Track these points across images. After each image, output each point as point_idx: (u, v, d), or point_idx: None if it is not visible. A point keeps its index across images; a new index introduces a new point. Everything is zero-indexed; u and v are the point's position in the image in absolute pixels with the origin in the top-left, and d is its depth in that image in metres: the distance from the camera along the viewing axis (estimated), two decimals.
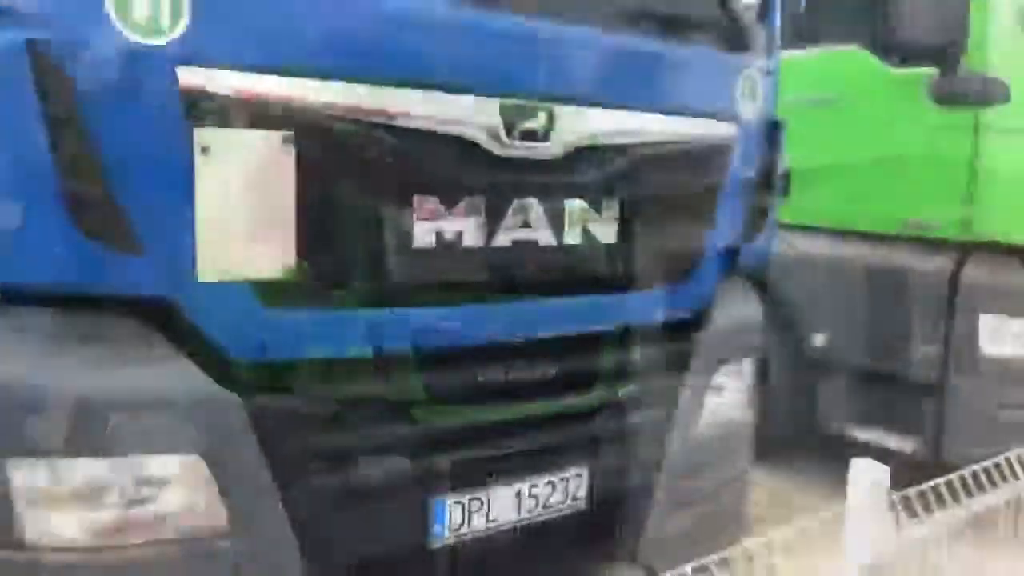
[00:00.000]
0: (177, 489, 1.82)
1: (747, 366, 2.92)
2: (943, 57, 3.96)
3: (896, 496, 1.79)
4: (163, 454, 1.81)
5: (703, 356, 2.73)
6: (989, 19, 3.95)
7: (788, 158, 4.50)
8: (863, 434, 4.44)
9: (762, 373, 3.24)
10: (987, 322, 4.08)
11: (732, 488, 2.84)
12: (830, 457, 3.96)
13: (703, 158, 2.63)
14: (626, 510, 2.51)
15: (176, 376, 1.80)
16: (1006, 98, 3.93)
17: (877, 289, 4.36)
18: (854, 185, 4.42)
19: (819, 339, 4.59)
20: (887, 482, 1.71)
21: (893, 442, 4.28)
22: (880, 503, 1.68)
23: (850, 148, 4.41)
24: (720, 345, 2.79)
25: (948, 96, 4.04)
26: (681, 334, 2.70)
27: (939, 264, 4.17)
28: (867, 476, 1.66)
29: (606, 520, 2.48)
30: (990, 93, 3.95)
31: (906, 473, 2.08)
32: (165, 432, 1.79)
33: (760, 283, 3.12)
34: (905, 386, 4.25)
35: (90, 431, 1.72)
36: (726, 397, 2.82)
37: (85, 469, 1.73)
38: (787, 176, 4.62)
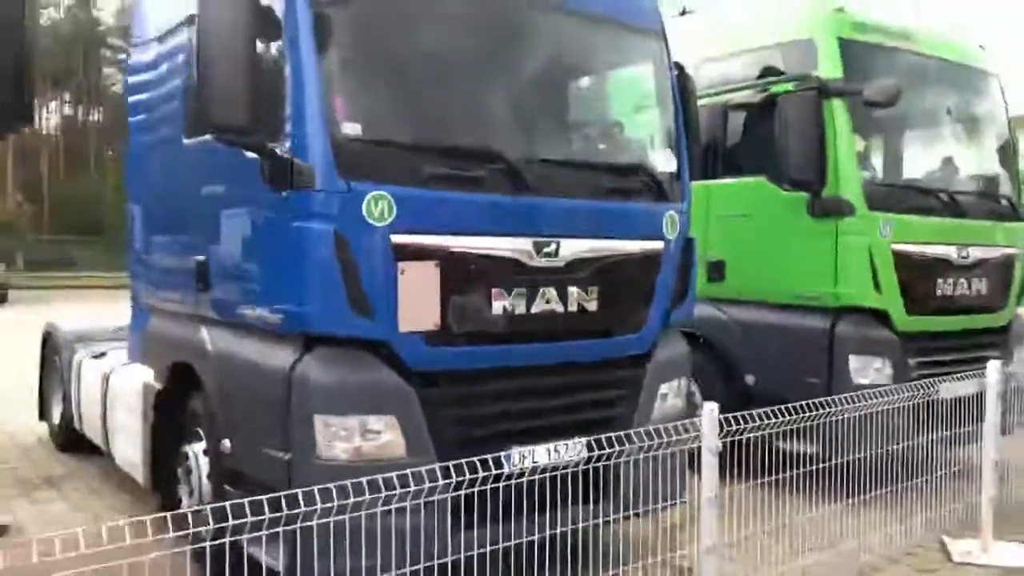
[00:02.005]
0: (383, 432, 3.75)
1: (681, 382, 4.88)
2: (811, 185, 6.03)
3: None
4: (377, 415, 3.74)
5: (651, 376, 4.68)
6: (840, 160, 6.04)
7: (722, 253, 6.61)
8: (783, 444, 6.31)
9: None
10: (854, 361, 6.03)
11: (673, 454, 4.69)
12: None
13: (646, 261, 4.64)
14: (609, 466, 4.37)
15: (385, 375, 3.77)
16: (852, 212, 6.01)
17: (784, 341, 6.32)
18: (765, 271, 6.44)
19: (750, 379, 6.52)
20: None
21: (802, 447, 6.14)
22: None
23: (761, 246, 6.45)
24: (662, 370, 4.75)
25: (818, 211, 6.10)
26: (639, 362, 4.66)
27: (821, 322, 6.15)
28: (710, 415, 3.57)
29: (597, 471, 4.33)
30: (842, 208, 6.02)
31: None
32: (379, 403, 3.74)
33: (686, 333, 5.11)
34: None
35: (349, 402, 3.68)
36: (668, 401, 4.76)
37: (347, 421, 3.67)
38: (721, 265, 6.70)
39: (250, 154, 3.77)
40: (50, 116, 54.71)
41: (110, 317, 7.21)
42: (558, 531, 3.67)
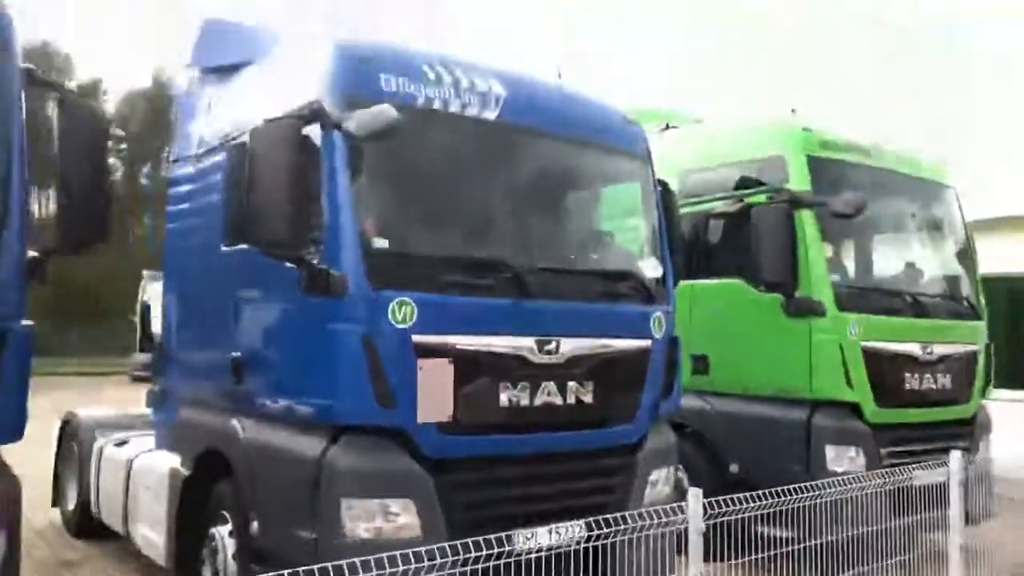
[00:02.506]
0: (401, 515, 4.16)
1: (670, 470, 5.31)
2: (785, 287, 6.61)
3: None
4: (397, 498, 4.16)
5: (642, 464, 5.13)
6: (811, 265, 6.64)
7: (706, 348, 7.10)
8: (767, 530, 6.68)
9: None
10: (830, 450, 6.49)
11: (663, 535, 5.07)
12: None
13: (636, 358, 5.15)
14: (606, 546, 4.74)
15: (404, 462, 4.20)
16: (823, 312, 6.57)
17: (764, 431, 6.78)
18: (745, 365, 6.95)
19: (734, 467, 6.94)
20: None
21: (779, 532, 6.51)
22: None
23: (741, 342, 6.98)
24: (652, 459, 5.19)
25: (793, 311, 6.66)
26: (631, 451, 5.11)
27: (798, 414, 6.63)
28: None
29: (595, 550, 4.71)
30: (815, 309, 6.59)
31: None
32: (398, 487, 4.17)
33: (674, 423, 5.58)
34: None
35: (372, 486, 4.10)
36: (657, 487, 5.19)
37: (370, 504, 4.09)
38: (705, 359, 7.21)
39: (288, 264, 4.30)
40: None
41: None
42: None
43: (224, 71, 5.77)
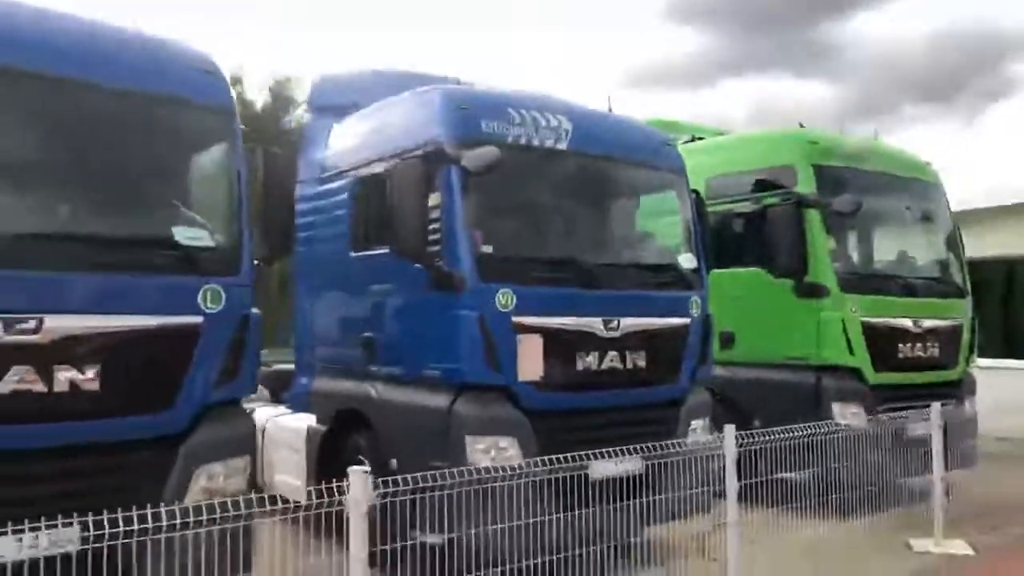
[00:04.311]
0: (508, 449, 5.60)
1: (705, 420, 6.73)
2: (795, 274, 7.99)
3: None
4: (505, 436, 5.60)
5: (684, 415, 6.55)
6: (817, 255, 8.02)
7: (731, 326, 8.47)
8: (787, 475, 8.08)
9: None
10: (836, 407, 7.88)
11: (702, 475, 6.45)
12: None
13: (678, 333, 6.56)
14: (655, 483, 6.13)
15: (509, 411, 5.65)
16: (828, 294, 7.96)
17: (781, 393, 8.17)
18: (763, 339, 8.34)
19: (756, 423, 8.32)
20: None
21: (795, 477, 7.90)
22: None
23: (759, 320, 8.37)
24: (692, 411, 6.61)
25: (802, 293, 8.05)
26: (675, 406, 6.53)
27: (809, 378, 8.02)
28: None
29: (651, 482, 6.10)
30: (820, 291, 7.97)
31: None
32: (506, 428, 5.61)
33: (708, 388, 7.00)
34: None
35: (487, 428, 5.55)
36: (697, 433, 6.61)
37: (486, 440, 5.53)
38: (731, 335, 8.61)
39: (415, 264, 5.73)
40: None
41: None
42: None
43: (341, 110, 7.23)
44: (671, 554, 6.02)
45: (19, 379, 3.90)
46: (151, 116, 4.57)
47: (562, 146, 6.20)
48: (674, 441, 5.48)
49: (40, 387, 3.95)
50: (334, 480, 5.71)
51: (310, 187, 7.35)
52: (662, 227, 7.21)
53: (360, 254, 6.57)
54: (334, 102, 7.46)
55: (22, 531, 3.48)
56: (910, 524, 7.09)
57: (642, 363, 6.27)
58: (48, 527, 3.58)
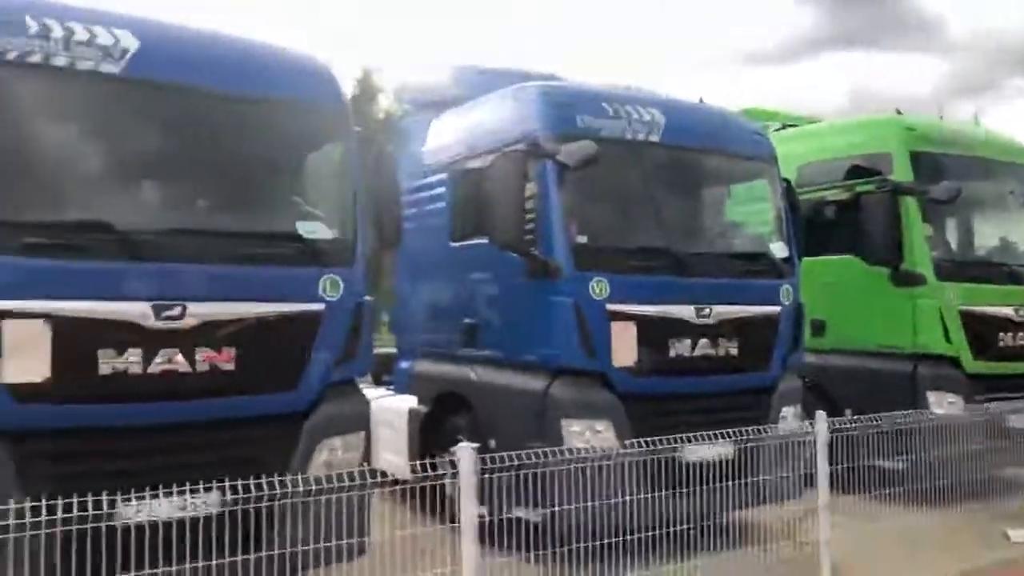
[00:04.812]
0: (603, 432, 5.84)
1: (796, 408, 6.81)
2: (891, 262, 7.93)
3: None
4: (600, 420, 5.85)
5: (776, 402, 6.65)
6: (914, 242, 7.93)
7: (822, 314, 8.46)
8: (880, 463, 8.06)
9: None
10: (931, 395, 7.80)
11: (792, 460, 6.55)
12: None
13: (768, 321, 6.66)
14: (746, 467, 6.21)
15: (604, 395, 5.89)
16: (924, 282, 7.87)
17: (874, 382, 8.14)
18: (856, 327, 8.31)
19: (847, 411, 8.30)
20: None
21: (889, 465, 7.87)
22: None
23: (852, 308, 8.34)
24: (783, 398, 6.71)
25: (899, 281, 7.98)
26: (767, 393, 6.64)
27: (904, 367, 7.96)
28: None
29: (742, 466, 6.22)
30: (917, 279, 7.89)
31: None
32: (601, 412, 5.85)
33: (799, 375, 7.06)
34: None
35: (583, 411, 5.80)
36: (788, 420, 6.70)
37: (582, 423, 5.79)
38: (822, 324, 8.60)
39: (513, 254, 6.01)
40: None
41: None
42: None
43: (439, 106, 7.57)
44: (763, 538, 6.15)
45: (167, 360, 4.36)
46: (277, 120, 4.95)
47: (655, 138, 6.37)
48: (765, 426, 5.60)
49: (184, 367, 4.40)
50: (435, 458, 6.01)
51: (411, 181, 7.72)
52: (754, 216, 7.29)
53: (459, 244, 6.90)
54: (433, 98, 7.80)
55: (172, 494, 4.00)
56: (1008, 515, 7.02)
57: (734, 350, 6.41)
58: (192, 492, 4.12)
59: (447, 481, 4.86)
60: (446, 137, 7.33)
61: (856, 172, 8.42)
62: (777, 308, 6.72)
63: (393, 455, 7.59)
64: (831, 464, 5.57)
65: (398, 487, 5.36)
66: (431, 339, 7.45)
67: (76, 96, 4.45)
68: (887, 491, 6.14)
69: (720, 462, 5.74)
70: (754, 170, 7.08)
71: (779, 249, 6.96)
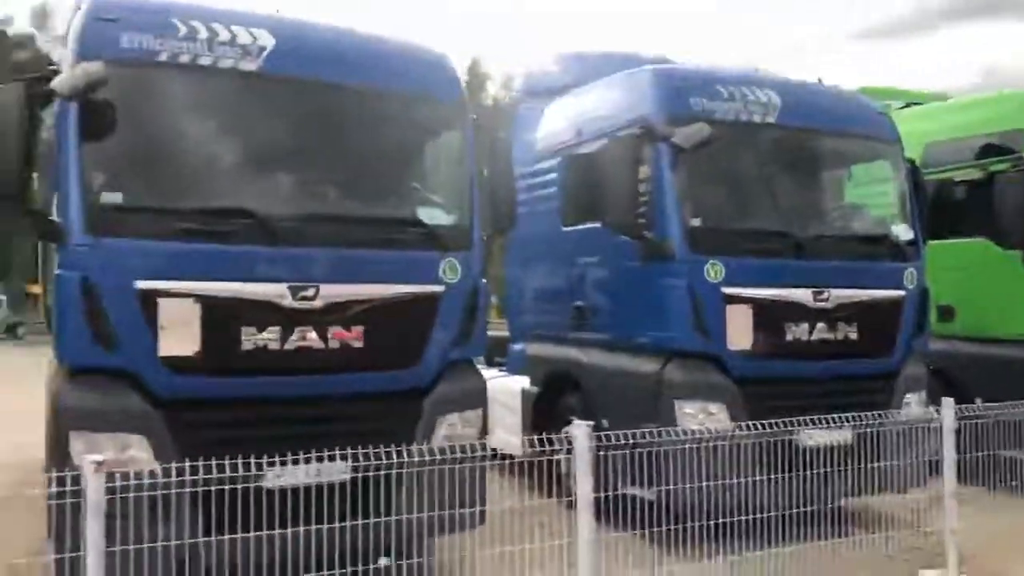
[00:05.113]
0: (718, 414, 5.84)
1: (921, 394, 6.59)
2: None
3: None
4: (715, 403, 5.85)
5: (900, 388, 6.46)
6: None
7: (950, 299, 8.12)
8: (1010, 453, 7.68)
9: None
10: None
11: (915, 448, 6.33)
12: None
13: (892, 305, 6.47)
14: (866, 453, 6.06)
15: (719, 377, 5.88)
16: None
17: (1008, 369, 7.74)
18: (987, 313, 7.92)
19: (976, 399, 7.93)
20: None
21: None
22: None
23: (982, 293, 7.95)
24: (906, 383, 6.51)
25: None
26: (889, 378, 6.45)
27: None
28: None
29: (862, 452, 6.07)
30: None
31: None
32: (715, 394, 5.84)
33: (924, 361, 6.82)
34: None
35: (697, 393, 5.82)
36: (911, 406, 6.49)
37: (696, 405, 5.80)
38: (950, 309, 8.24)
39: (626, 238, 6.07)
40: None
41: None
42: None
43: (552, 93, 7.68)
44: (886, 525, 6.02)
45: (302, 337, 4.67)
46: (402, 112, 5.21)
47: (771, 119, 6.28)
48: (888, 412, 5.47)
49: (317, 344, 4.70)
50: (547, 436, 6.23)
51: (523, 167, 7.87)
52: (875, 197, 7.08)
53: (571, 229, 7.00)
54: (544, 85, 7.93)
55: (308, 461, 4.31)
56: None
57: (853, 335, 6.26)
58: (324, 460, 4.40)
59: (561, 458, 4.97)
60: (559, 123, 7.44)
61: (988, 151, 8.00)
62: (900, 292, 6.52)
63: (506, 433, 7.81)
64: (958, 453, 5.39)
65: (509, 462, 5.53)
66: (542, 322, 7.60)
67: (218, 92, 4.82)
68: (1016, 483, 5.88)
69: (838, 447, 5.65)
70: (875, 150, 6.87)
71: (902, 231, 6.74)
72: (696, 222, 5.97)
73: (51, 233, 4.44)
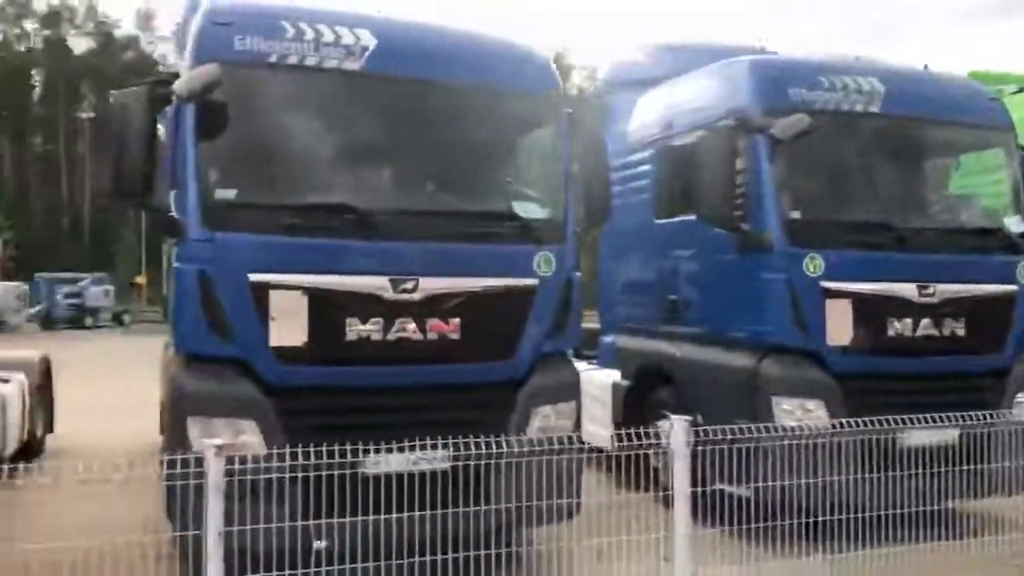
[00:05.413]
0: (815, 410, 5.70)
1: None
2: None
3: None
4: (812, 398, 5.71)
5: (1011, 386, 6.18)
6: None
7: None
8: None
9: None
10: None
11: None
12: None
13: (1003, 300, 6.18)
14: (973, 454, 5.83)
15: (817, 373, 5.74)
16: None
17: None
18: None
19: None
20: None
21: None
22: None
23: None
24: (1020, 382, 6.22)
25: None
26: (999, 376, 6.17)
27: None
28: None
29: (969, 453, 5.83)
30: None
31: None
32: (813, 390, 5.71)
33: None
34: None
35: (796, 389, 5.70)
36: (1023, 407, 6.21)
37: (793, 401, 5.68)
38: None
39: (722, 230, 5.99)
40: None
41: None
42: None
43: (644, 84, 7.63)
44: (995, 528, 5.80)
45: (401, 328, 4.80)
46: (500, 108, 5.27)
47: (874, 109, 6.09)
48: (998, 412, 5.26)
49: (417, 335, 4.83)
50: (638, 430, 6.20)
51: (614, 159, 7.84)
52: (986, 188, 6.78)
53: (664, 221, 6.96)
54: (635, 77, 7.88)
55: (407, 449, 4.48)
56: None
57: (960, 331, 6.03)
58: (423, 448, 4.53)
59: (652, 452, 4.97)
60: (651, 114, 7.39)
61: None
62: (1014, 287, 6.23)
63: (596, 426, 7.82)
64: None
65: (597, 455, 5.54)
66: (634, 315, 7.58)
67: (324, 92, 4.99)
68: None
69: (943, 447, 5.46)
70: (986, 139, 6.58)
71: (1016, 224, 6.44)
72: (795, 214, 5.85)
73: (171, 228, 4.69)
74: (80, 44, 70.91)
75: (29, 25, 69.72)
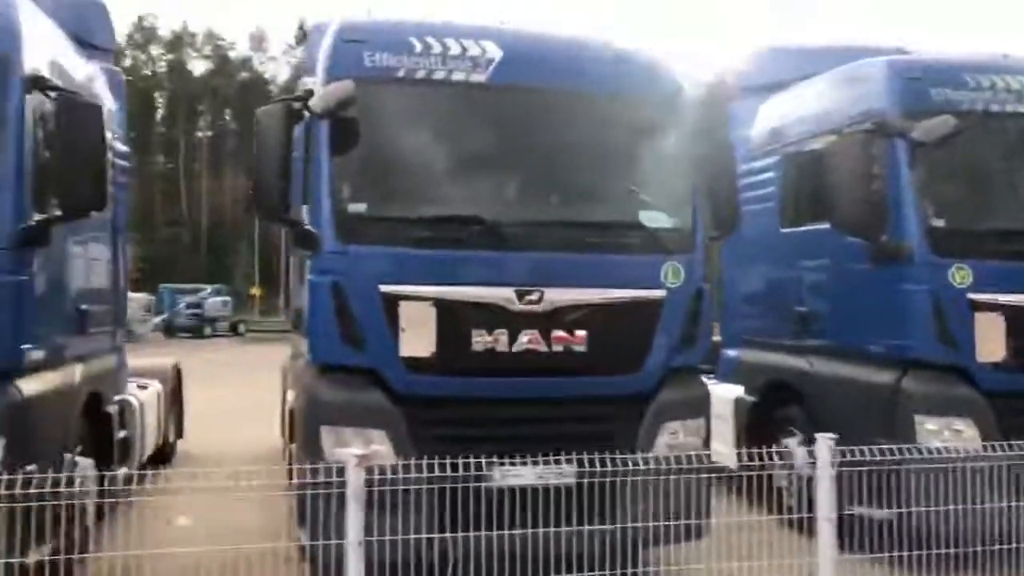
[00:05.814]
0: (963, 432, 5.32)
1: None
2: None
3: None
4: (961, 417, 5.32)
5: None
6: None
7: None
8: None
9: None
10: None
11: None
12: None
13: None
14: None
15: (966, 390, 5.35)
16: None
17: None
18: None
19: None
20: None
21: None
22: None
23: None
24: None
25: None
26: None
27: None
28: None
29: None
30: None
31: None
32: (961, 409, 5.33)
33: None
34: None
35: (938, 407, 5.32)
36: None
37: (939, 421, 5.32)
38: None
39: (857, 239, 5.68)
40: None
41: None
42: None
43: (767, 89, 7.38)
44: None
45: (527, 340, 4.75)
46: (625, 116, 5.16)
47: (1020, 108, 5.69)
48: None
49: (542, 347, 4.77)
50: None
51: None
52: None
53: (791, 230, 6.69)
54: (759, 82, 7.64)
55: (535, 463, 4.43)
56: None
57: None
58: (551, 462, 4.46)
59: (776, 472, 4.75)
60: (776, 119, 7.14)
61: None
62: None
63: (718, 444, 7.57)
64: None
65: (718, 475, 5.34)
66: (758, 327, 7.31)
67: (451, 104, 5.03)
68: None
69: None
70: None
71: None
72: (938, 222, 5.51)
73: (306, 241, 4.80)
74: (199, 66, 74.80)
75: (155, 50, 73.92)
